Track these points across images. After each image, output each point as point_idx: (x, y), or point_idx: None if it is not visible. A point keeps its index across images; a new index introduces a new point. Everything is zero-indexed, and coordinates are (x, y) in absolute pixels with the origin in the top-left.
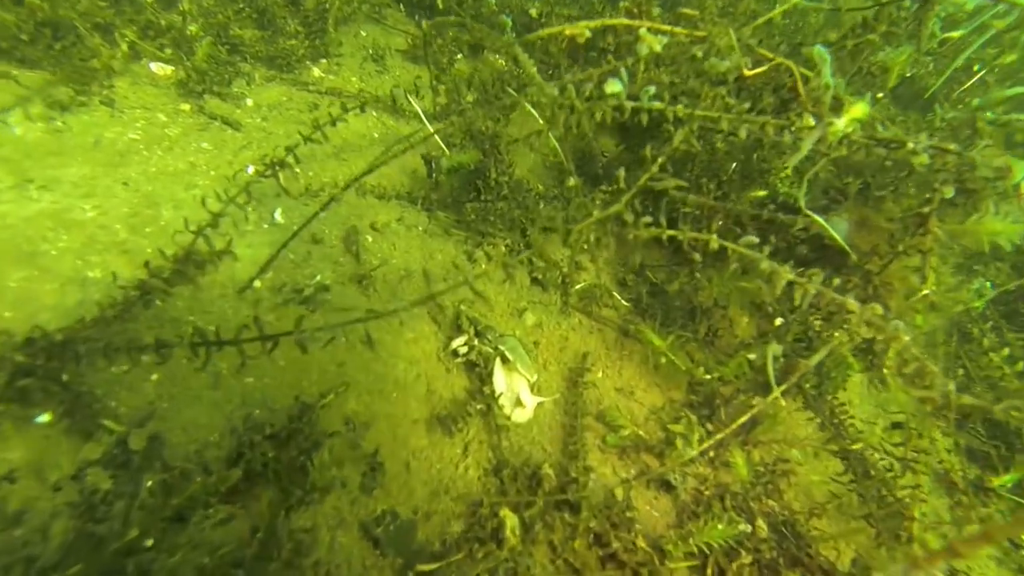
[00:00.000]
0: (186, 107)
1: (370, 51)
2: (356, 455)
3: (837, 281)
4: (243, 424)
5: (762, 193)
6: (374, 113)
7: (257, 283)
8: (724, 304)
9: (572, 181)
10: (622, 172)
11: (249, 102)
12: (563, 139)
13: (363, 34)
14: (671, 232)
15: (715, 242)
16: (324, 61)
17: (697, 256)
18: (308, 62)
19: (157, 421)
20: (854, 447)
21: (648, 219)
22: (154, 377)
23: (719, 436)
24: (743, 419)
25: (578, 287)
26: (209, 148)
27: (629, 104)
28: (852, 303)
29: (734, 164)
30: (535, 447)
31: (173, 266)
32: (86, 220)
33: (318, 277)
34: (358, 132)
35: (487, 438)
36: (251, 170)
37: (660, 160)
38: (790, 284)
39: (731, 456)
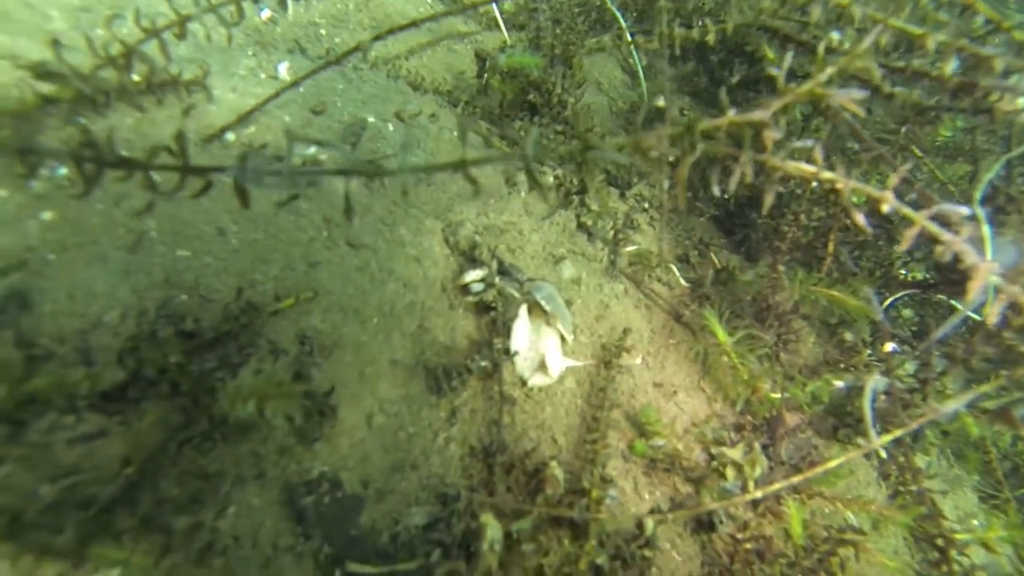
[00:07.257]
0: None
1: None
2: (298, 389)
3: None
4: (157, 309)
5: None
6: (429, 1)
7: (231, 136)
8: (807, 314)
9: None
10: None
11: None
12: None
13: None
14: None
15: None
16: None
17: (783, 245)
18: None
19: (29, 274)
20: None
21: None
22: (46, 216)
23: (778, 476)
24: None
25: (630, 249)
26: None
27: None
28: None
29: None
30: (543, 435)
31: (118, 77)
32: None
33: (312, 150)
34: (404, 13)
35: (484, 407)
36: (265, 13)
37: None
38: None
39: (785, 505)
